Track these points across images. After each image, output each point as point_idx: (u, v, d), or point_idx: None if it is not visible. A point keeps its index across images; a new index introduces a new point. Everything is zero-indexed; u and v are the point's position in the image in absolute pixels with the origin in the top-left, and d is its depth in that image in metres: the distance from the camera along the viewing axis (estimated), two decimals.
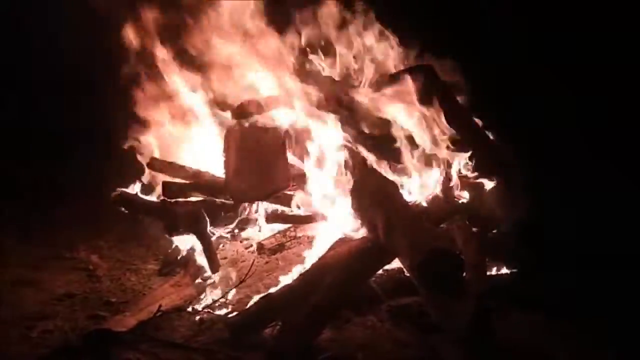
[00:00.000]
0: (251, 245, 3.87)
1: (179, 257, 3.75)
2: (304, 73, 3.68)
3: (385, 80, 3.58)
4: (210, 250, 3.53)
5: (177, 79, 3.84)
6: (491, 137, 3.69)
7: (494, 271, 3.49)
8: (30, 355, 2.85)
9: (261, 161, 3.44)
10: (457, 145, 3.55)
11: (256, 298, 3.14)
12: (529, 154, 3.71)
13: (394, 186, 3.23)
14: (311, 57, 3.78)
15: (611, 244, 3.45)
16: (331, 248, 3.17)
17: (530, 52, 4.50)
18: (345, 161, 3.53)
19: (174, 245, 3.79)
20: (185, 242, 3.71)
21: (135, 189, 3.85)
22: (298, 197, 3.62)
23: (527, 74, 4.37)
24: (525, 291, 3.24)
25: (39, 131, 5.24)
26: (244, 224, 3.79)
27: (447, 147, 3.52)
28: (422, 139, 3.54)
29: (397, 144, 3.57)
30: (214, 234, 3.68)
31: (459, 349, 2.75)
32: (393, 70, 3.71)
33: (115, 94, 3.99)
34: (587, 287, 3.18)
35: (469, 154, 3.56)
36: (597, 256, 3.37)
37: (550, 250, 3.34)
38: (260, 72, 3.66)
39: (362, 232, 3.22)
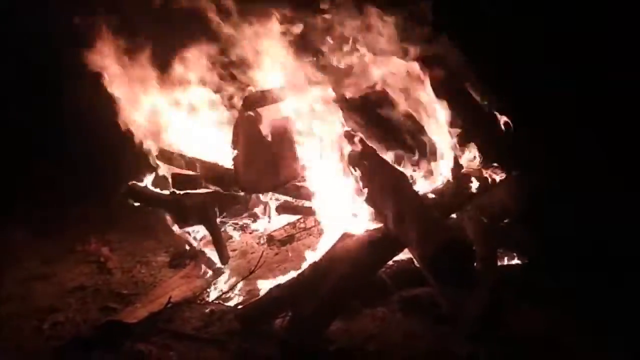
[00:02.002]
0: (261, 237, 3.88)
1: (188, 249, 3.75)
2: (317, 65, 3.64)
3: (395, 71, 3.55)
4: (219, 242, 3.54)
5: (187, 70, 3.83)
6: (500, 128, 3.66)
7: (504, 262, 3.47)
8: (43, 347, 2.89)
9: (270, 152, 3.43)
10: (467, 135, 3.52)
11: (266, 289, 3.14)
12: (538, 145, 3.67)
13: (403, 177, 3.21)
14: (324, 49, 3.74)
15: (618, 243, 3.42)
16: (341, 239, 3.16)
17: (539, 43, 4.44)
18: (355, 152, 3.51)
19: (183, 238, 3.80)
20: (195, 234, 3.72)
21: (145, 181, 3.85)
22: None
23: (535, 66, 4.32)
24: (536, 282, 3.21)
25: (48, 128, 5.25)
26: (254, 215, 3.80)
27: (458, 137, 3.49)
28: (433, 129, 3.51)
29: (408, 135, 3.54)
30: (223, 225, 3.68)
31: (470, 340, 2.74)
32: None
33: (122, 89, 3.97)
34: (594, 279, 3.16)
35: (478, 144, 3.54)
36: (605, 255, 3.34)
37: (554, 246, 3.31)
38: (271, 64, 3.64)
39: (372, 223, 3.21)
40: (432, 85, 3.53)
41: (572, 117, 4.15)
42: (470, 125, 3.55)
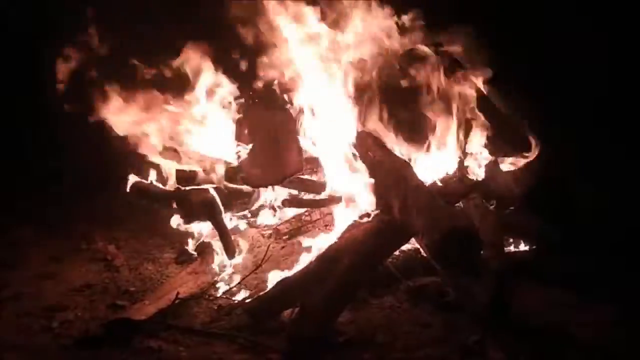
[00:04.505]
0: (267, 231, 3.87)
1: (195, 245, 3.75)
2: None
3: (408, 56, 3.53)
4: (226, 237, 3.54)
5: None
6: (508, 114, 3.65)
7: (511, 249, 3.46)
8: (53, 345, 2.88)
9: (274, 145, 3.42)
10: (474, 122, 3.51)
11: (274, 282, 3.14)
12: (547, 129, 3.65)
13: (408, 166, 3.20)
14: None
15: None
16: (347, 230, 3.16)
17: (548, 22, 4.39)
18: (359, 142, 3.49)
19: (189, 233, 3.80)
20: (201, 229, 3.72)
21: (149, 178, 3.84)
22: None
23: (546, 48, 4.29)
24: (543, 268, 3.20)
25: (54, 126, 5.27)
26: (259, 209, 3.80)
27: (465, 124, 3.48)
28: (439, 116, 3.50)
29: (414, 122, 3.53)
30: (229, 220, 3.68)
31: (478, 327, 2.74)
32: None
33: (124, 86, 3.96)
34: (604, 264, 3.15)
35: (485, 131, 3.53)
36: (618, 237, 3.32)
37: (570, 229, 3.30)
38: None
39: (378, 213, 3.20)
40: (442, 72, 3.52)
41: (582, 103, 4.12)
42: (477, 112, 3.53)
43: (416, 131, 3.51)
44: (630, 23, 4.16)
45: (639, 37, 4.11)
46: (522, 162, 3.49)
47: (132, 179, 3.79)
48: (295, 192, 3.84)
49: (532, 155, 3.44)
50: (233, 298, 3.26)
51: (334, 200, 3.59)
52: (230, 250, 3.50)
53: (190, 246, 3.76)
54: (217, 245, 3.58)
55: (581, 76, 4.05)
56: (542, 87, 3.92)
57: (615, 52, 4.17)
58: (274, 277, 3.20)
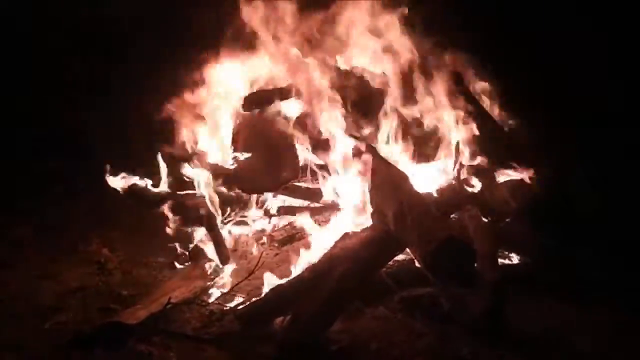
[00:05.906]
0: (261, 237, 3.86)
1: (188, 250, 3.74)
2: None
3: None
4: (219, 243, 3.53)
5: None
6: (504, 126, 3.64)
7: (505, 261, 3.44)
8: (44, 346, 2.87)
9: (270, 152, 3.42)
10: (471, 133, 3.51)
11: (266, 289, 3.12)
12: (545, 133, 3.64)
13: (403, 176, 3.19)
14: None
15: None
16: (341, 239, 3.14)
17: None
18: (355, 151, 3.49)
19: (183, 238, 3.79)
20: (195, 234, 3.71)
21: (145, 181, 3.84)
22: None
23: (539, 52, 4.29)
24: (537, 280, 3.18)
25: (54, 126, 5.29)
26: (254, 215, 3.79)
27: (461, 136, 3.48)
28: (435, 125, 3.50)
29: (410, 132, 3.53)
30: (223, 225, 3.67)
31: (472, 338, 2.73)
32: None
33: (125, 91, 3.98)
34: (604, 265, 3.13)
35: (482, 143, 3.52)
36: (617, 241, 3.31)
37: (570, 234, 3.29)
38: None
39: (372, 223, 3.19)
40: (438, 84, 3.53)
41: (582, 104, 4.12)
42: (474, 124, 3.53)
43: (412, 141, 3.52)
44: (630, 23, 4.16)
45: (639, 37, 4.11)
46: (519, 175, 3.47)
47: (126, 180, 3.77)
48: (290, 198, 3.84)
49: (531, 171, 3.43)
50: (225, 304, 3.24)
51: (329, 208, 3.59)
52: (223, 256, 3.49)
53: (184, 250, 3.75)
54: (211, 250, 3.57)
55: (581, 76, 4.06)
56: (541, 87, 3.94)
57: (615, 52, 4.17)
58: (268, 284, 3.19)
